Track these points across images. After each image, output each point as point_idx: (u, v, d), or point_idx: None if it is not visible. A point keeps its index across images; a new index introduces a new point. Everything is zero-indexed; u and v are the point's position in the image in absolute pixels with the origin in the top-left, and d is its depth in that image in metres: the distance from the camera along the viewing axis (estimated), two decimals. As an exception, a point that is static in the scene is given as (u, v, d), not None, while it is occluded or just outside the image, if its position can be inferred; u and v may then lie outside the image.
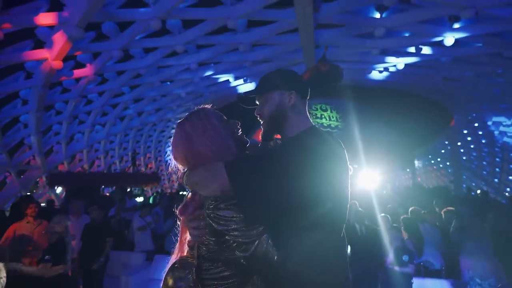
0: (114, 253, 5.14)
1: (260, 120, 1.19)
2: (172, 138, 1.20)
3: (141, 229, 5.29)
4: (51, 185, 11.49)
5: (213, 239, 1.04)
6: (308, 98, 1.24)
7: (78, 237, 4.37)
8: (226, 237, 0.99)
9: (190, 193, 1.16)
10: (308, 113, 1.21)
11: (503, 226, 4.21)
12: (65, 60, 8.34)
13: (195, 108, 1.23)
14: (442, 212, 4.73)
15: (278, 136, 1.20)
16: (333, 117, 16.01)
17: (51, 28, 7.52)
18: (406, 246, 4.27)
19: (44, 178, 12.13)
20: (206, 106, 1.22)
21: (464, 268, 4.13)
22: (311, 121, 1.20)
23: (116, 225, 6.01)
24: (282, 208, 0.93)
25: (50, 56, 7.77)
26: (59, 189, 13.41)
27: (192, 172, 1.10)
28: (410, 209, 5.20)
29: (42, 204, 13.85)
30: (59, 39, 7.21)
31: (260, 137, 1.27)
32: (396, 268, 4.09)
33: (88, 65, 9.90)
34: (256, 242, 0.95)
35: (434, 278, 4.20)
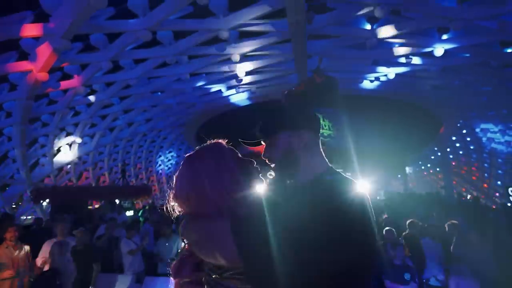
0: (102, 275, 4.85)
1: (268, 163, 1.04)
2: (177, 173, 1.00)
3: (131, 252, 5.01)
4: (36, 200, 11.00)
5: None
6: (320, 132, 1.09)
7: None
8: None
9: (187, 245, 0.96)
10: (323, 151, 1.06)
11: (503, 240, 4.14)
12: (51, 71, 8.08)
13: (208, 142, 1.04)
14: (446, 226, 4.64)
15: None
16: (325, 126, 16.04)
17: (36, 40, 7.28)
18: (407, 264, 4.16)
19: (28, 193, 11.64)
20: (220, 141, 1.04)
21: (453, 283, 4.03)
22: (327, 161, 1.05)
23: (106, 244, 5.70)
24: (309, 284, 0.77)
25: (35, 67, 7.50)
26: (45, 203, 12.89)
27: (192, 226, 0.91)
28: (408, 222, 5.10)
29: (29, 217, 13.31)
30: (45, 51, 6.98)
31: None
32: (398, 287, 3.97)
33: (75, 76, 9.63)
34: None
35: (435, 296, 4.08)
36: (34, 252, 4.37)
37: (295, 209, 0.85)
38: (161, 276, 4.91)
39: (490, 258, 4.13)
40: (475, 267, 3.99)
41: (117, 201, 12.49)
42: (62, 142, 13.17)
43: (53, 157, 12.86)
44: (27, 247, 4.15)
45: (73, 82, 9.70)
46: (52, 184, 12.58)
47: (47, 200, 11.71)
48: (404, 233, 4.30)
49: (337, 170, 1.02)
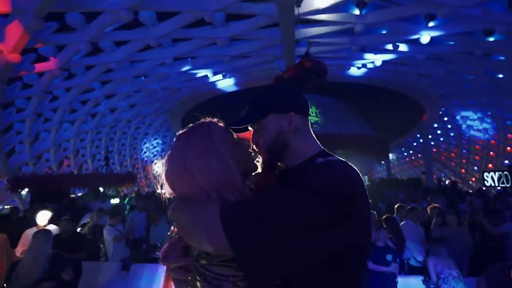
0: (87, 264, 4.77)
1: (256, 149, 0.98)
2: (169, 152, 0.93)
3: (116, 239, 4.92)
4: (14, 189, 10.58)
5: None
6: (309, 114, 1.04)
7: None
8: None
9: (176, 228, 0.89)
10: (313, 134, 1.01)
11: (478, 222, 4.34)
12: (24, 52, 7.58)
13: (201, 120, 0.95)
14: (428, 209, 4.82)
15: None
16: (312, 112, 16.09)
17: (5, 17, 6.76)
18: (388, 246, 4.29)
19: (5, 181, 11.17)
20: (214, 120, 0.95)
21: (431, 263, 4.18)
22: (319, 144, 1.00)
23: (91, 233, 5.58)
24: (307, 265, 0.73)
25: (6, 48, 7.00)
26: (24, 192, 12.44)
27: (179, 209, 0.83)
28: (396, 206, 5.26)
29: (7, 207, 12.80)
30: (15, 30, 6.49)
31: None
32: (380, 268, 4.10)
33: (51, 58, 9.10)
34: None
35: (418, 276, 4.25)
36: (12, 242, 4.22)
37: (290, 191, 0.80)
38: (151, 262, 4.88)
39: (467, 239, 4.33)
40: (453, 247, 4.17)
41: (101, 189, 12.22)
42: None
43: (31, 144, 12.32)
44: (3, 236, 4.00)
45: (49, 65, 9.17)
46: (30, 172, 12.11)
47: (26, 189, 11.30)
48: (383, 217, 4.42)
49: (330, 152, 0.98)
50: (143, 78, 12.56)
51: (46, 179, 11.13)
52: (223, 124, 0.96)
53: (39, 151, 13.29)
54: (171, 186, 0.89)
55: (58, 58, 9.05)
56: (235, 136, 0.96)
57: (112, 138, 17.69)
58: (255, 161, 0.97)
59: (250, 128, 0.99)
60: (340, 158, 0.93)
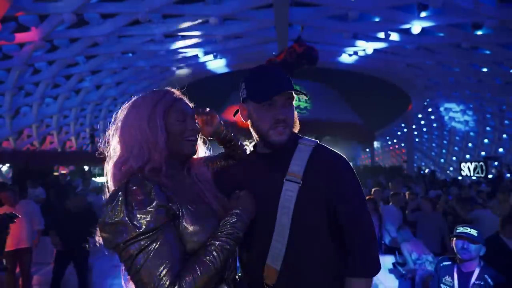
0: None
1: (280, 126, 0.88)
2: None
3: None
4: (-5, 164, 10.27)
5: None
6: None
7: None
8: None
9: None
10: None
11: (452, 207, 4.64)
12: (4, 21, 7.16)
13: (159, 89, 0.92)
14: (407, 194, 5.10)
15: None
16: (302, 98, 16.16)
17: (-16, -19, 6.32)
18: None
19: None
20: (175, 92, 0.92)
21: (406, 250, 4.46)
22: None
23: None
24: None
25: (-16, 15, 6.59)
26: (5, 168, 12.10)
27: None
28: (373, 190, 5.51)
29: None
30: (-5, -4, 6.11)
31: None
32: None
33: (33, 28, 8.62)
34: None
35: (392, 255, 4.53)
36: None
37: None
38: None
39: (441, 220, 4.64)
40: (427, 228, 4.47)
41: (86, 167, 12.03)
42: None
43: (12, 119, 11.86)
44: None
45: (31, 35, 8.70)
46: (11, 148, 11.73)
47: (7, 165, 10.98)
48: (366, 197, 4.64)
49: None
50: (130, 54, 12.16)
51: (30, 155, 10.82)
52: (183, 100, 0.92)
53: (20, 126, 12.83)
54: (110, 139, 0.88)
55: (40, 29, 8.59)
56: (195, 119, 0.91)
57: (97, 116, 17.22)
58: (192, 145, 0.89)
59: (239, 111, 0.96)
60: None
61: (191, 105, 0.94)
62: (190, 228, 0.75)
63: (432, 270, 2.58)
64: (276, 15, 8.39)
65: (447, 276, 1.58)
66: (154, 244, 0.68)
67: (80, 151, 14.41)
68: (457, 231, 1.60)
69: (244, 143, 1.06)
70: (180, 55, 12.45)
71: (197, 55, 12.56)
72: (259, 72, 0.95)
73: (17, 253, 3.51)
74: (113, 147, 0.88)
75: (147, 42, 10.77)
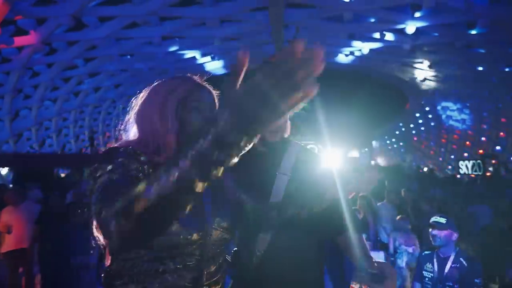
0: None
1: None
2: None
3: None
4: (-5, 166, 10.34)
5: None
6: None
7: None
8: None
9: None
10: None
11: (449, 203, 4.73)
12: (3, 24, 7.24)
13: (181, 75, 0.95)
14: (402, 191, 5.23)
15: None
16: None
17: (-17, -14, 6.40)
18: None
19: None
20: (197, 78, 0.92)
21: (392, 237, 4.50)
22: None
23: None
24: None
25: (-17, 19, 6.68)
26: (5, 171, 12.13)
27: None
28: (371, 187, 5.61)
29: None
30: (-6, 0, 6.20)
31: None
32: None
33: (32, 32, 8.71)
34: None
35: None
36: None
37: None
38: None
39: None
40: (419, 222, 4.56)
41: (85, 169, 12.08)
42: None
43: (11, 121, 11.93)
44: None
45: (29, 39, 8.79)
46: (11, 151, 11.80)
47: (7, 168, 11.04)
48: (359, 195, 4.72)
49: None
50: (128, 56, 12.25)
51: (29, 158, 10.89)
52: (202, 88, 0.91)
53: (20, 129, 12.90)
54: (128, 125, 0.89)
55: (38, 32, 8.68)
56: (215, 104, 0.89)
57: (96, 119, 17.29)
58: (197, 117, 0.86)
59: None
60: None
61: (214, 92, 0.93)
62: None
63: (403, 266, 2.73)
64: (271, 16, 8.49)
65: (428, 263, 1.72)
66: None
67: (81, 153, 14.47)
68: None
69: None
70: (178, 57, 12.55)
71: (194, 56, 12.66)
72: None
73: (20, 253, 3.59)
74: (133, 134, 0.90)
75: (145, 45, 10.86)
